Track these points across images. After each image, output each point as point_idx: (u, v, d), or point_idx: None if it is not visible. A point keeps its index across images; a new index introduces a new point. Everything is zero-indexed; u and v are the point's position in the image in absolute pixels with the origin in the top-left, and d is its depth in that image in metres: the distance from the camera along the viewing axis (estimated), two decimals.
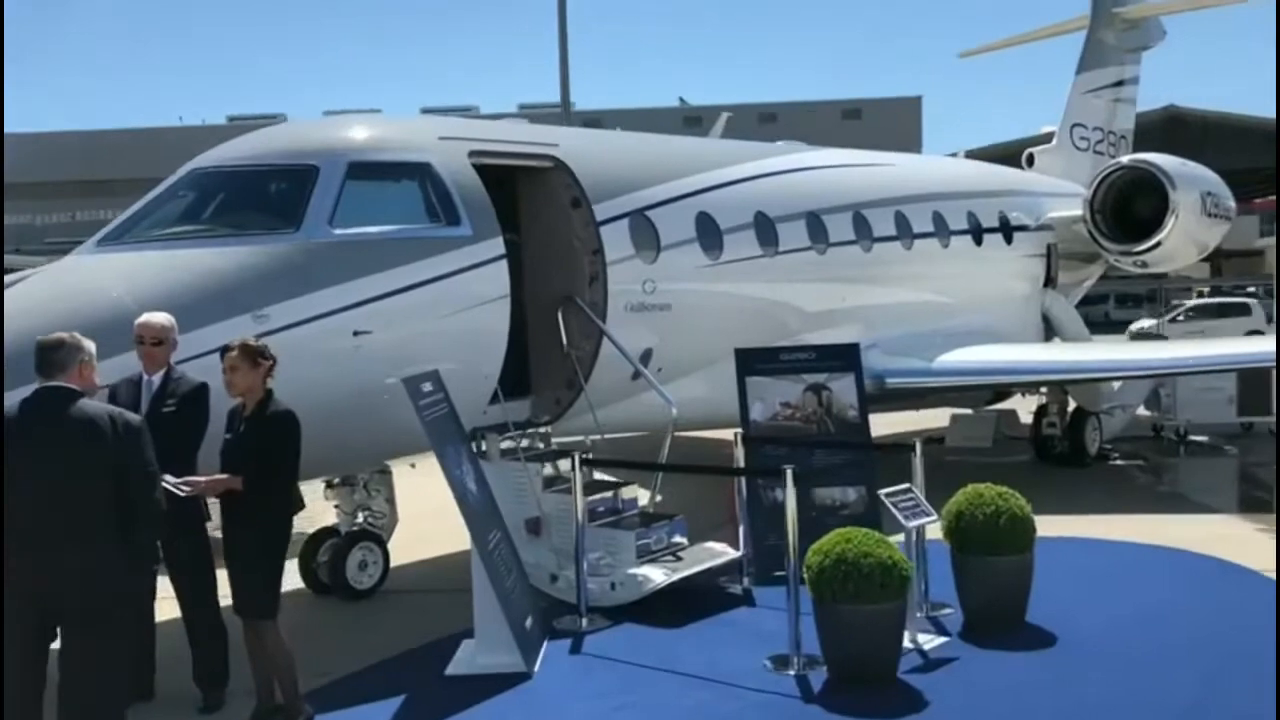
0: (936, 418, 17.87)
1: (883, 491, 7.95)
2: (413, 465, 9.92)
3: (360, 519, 9.73)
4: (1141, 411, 17.49)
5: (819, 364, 10.46)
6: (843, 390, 10.39)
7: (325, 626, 9.04)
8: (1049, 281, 17.29)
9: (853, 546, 6.98)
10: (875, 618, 6.96)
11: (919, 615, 8.33)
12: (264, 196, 8.64)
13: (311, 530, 9.95)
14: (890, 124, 68.16)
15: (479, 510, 7.78)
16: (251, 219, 8.47)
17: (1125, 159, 17.49)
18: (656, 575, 8.79)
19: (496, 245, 9.15)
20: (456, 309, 8.85)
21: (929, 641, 7.85)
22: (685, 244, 10.94)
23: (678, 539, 9.46)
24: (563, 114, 39.21)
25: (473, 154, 9.44)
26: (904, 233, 13.90)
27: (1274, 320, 19.73)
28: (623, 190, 10.49)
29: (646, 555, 9.12)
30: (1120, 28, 21.31)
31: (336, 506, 9.77)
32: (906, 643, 7.69)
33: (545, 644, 8.07)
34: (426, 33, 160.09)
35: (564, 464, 10.12)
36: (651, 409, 10.88)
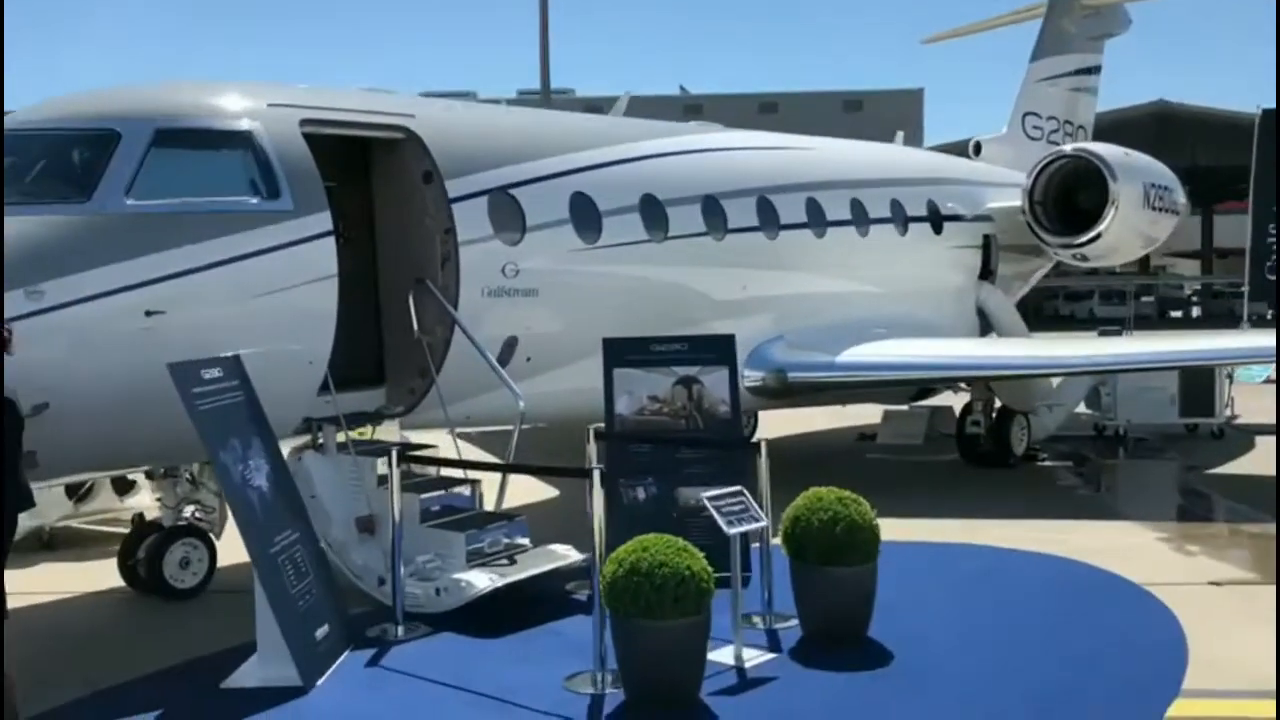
0: (872, 413, 17.27)
1: (706, 494, 7.28)
2: None
3: (187, 513, 9.11)
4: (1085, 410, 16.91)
5: (691, 356, 9.81)
6: (715, 384, 9.74)
7: (128, 630, 8.43)
8: (987, 274, 16.60)
9: (648, 556, 6.33)
10: (671, 634, 6.29)
11: (759, 627, 7.73)
12: (60, 163, 7.98)
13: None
14: (891, 115, 67.38)
15: (262, 512, 7.13)
16: (42, 187, 7.81)
17: (1068, 148, 16.79)
18: (481, 581, 8.14)
19: (322, 220, 8.49)
20: (271, 289, 8.19)
21: (753, 658, 7.20)
22: (555, 225, 10.26)
23: (519, 540, 8.82)
24: (542, 99, 38.76)
25: (306, 123, 8.78)
26: (816, 220, 13.21)
27: None
28: (484, 166, 9.82)
29: (479, 558, 8.47)
30: (1081, 14, 20.55)
31: (158, 499, 9.15)
32: (726, 659, 7.09)
33: (348, 654, 7.44)
34: (426, 17, 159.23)
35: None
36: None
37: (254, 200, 8.24)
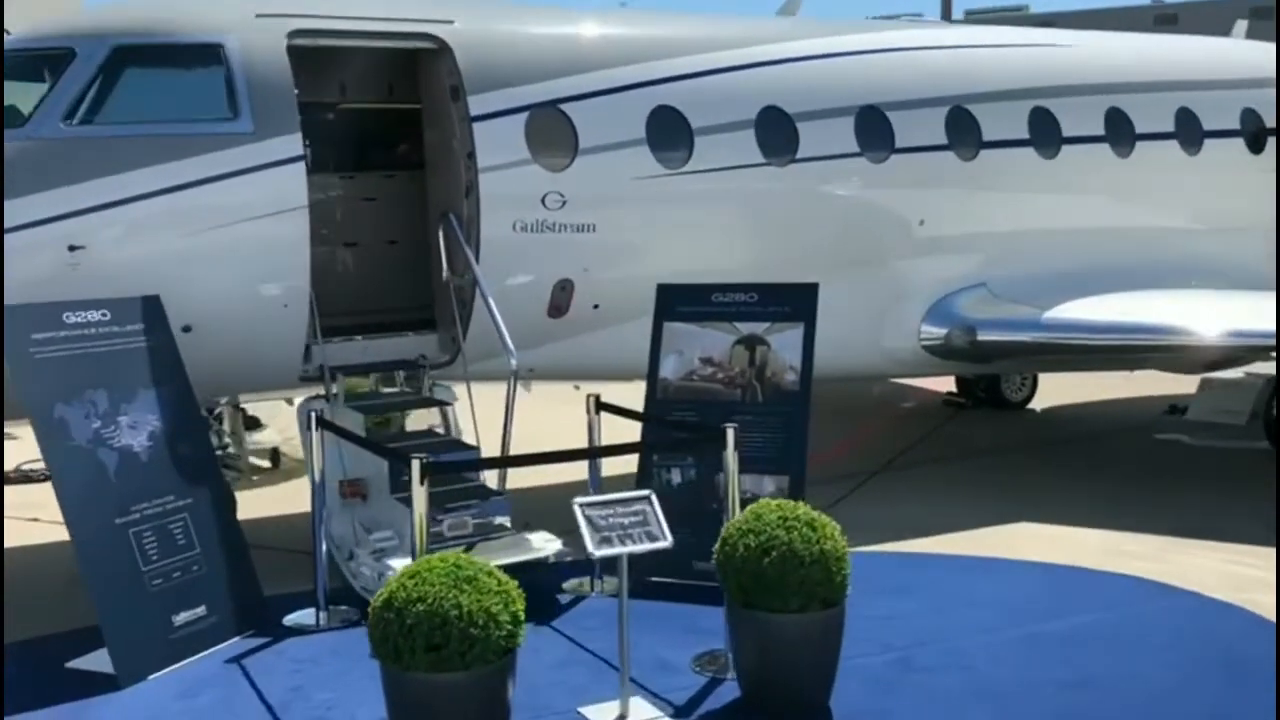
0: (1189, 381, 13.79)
1: (580, 500, 5.47)
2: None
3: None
4: None
5: (760, 310, 7.86)
6: (785, 346, 7.74)
7: None
8: None
9: (410, 585, 4.75)
10: (430, 692, 4.72)
11: (704, 672, 5.90)
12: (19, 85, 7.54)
13: None
14: None
15: (118, 475, 6.28)
16: None
17: None
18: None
19: (289, 144, 7.44)
20: (221, 221, 7.30)
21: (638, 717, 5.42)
22: (621, 147, 8.52)
23: (497, 520, 7.45)
24: (943, 11, 36.02)
25: (299, 34, 7.75)
26: (1043, 136, 10.32)
27: None
28: (527, 78, 8.31)
29: (436, 541, 7.19)
30: None
31: None
32: (597, 715, 5.38)
33: (235, 641, 6.52)
34: None
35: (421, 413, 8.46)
36: (593, 352, 8.83)
37: (206, 122, 7.37)
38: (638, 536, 5.38)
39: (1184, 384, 13.84)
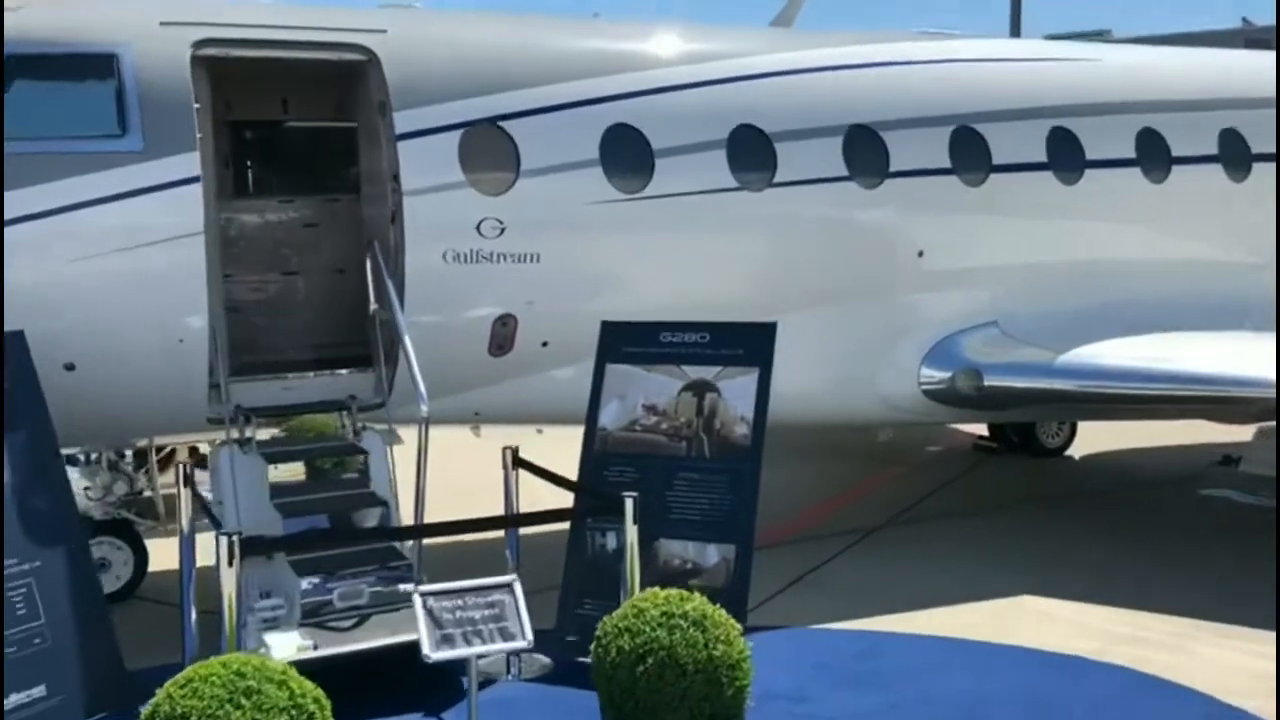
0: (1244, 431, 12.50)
1: (422, 589, 4.59)
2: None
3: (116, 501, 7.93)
4: None
5: (710, 352, 6.94)
6: (736, 394, 6.82)
7: None
8: None
9: (189, 700, 3.91)
10: None
11: None
12: None
13: None
14: None
15: None
16: None
17: None
18: (284, 648, 6.02)
19: (183, 164, 6.73)
20: (105, 249, 6.60)
21: None
22: (569, 169, 7.67)
23: (404, 588, 6.59)
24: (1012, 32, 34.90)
25: (207, 44, 7.05)
26: (1064, 159, 9.25)
27: None
28: (463, 92, 7.51)
29: (326, 612, 6.37)
30: None
31: (85, 488, 7.98)
32: None
33: None
34: None
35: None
36: (544, 393, 8.00)
37: (91, 140, 6.68)
38: (489, 634, 4.50)
39: (1242, 430, 12.61)
